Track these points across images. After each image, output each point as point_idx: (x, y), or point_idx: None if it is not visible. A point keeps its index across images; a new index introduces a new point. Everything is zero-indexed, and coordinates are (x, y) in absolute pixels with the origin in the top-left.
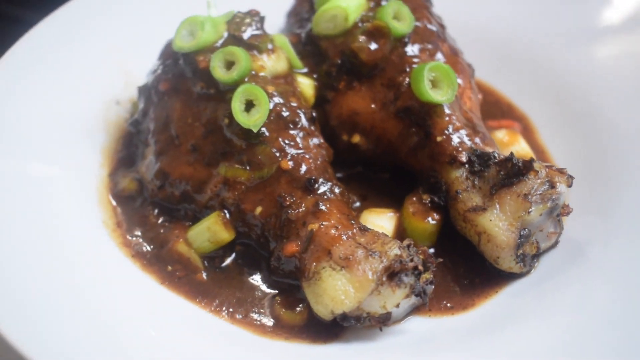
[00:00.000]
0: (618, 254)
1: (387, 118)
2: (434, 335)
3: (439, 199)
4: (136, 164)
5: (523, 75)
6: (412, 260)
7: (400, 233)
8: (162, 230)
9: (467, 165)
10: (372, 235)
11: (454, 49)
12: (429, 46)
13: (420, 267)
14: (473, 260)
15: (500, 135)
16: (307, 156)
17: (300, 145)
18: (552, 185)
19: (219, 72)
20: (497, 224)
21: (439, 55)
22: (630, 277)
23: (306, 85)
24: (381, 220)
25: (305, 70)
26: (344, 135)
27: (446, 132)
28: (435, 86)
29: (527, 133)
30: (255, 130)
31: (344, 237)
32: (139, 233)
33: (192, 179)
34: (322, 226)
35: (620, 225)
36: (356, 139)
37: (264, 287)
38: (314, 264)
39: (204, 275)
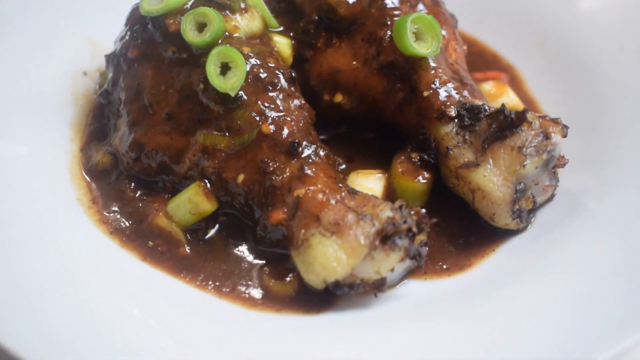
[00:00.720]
0: (613, 203)
1: (370, 74)
2: (431, 298)
3: (429, 156)
4: (109, 136)
5: (507, 24)
6: (405, 222)
7: (390, 194)
8: (140, 205)
9: (456, 120)
10: (361, 198)
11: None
12: None
13: (414, 229)
14: (467, 218)
15: (488, 87)
16: (288, 118)
17: (281, 108)
18: (547, 136)
19: (191, 35)
20: (491, 180)
21: (420, 6)
22: (627, 226)
23: (283, 44)
24: (369, 182)
25: (280, 28)
26: (326, 94)
27: (433, 86)
28: (419, 39)
29: (515, 83)
30: (232, 95)
31: (333, 202)
32: (116, 209)
33: (169, 149)
34: (308, 191)
35: (614, 175)
36: (339, 98)
37: (250, 258)
38: (303, 231)
39: (187, 249)
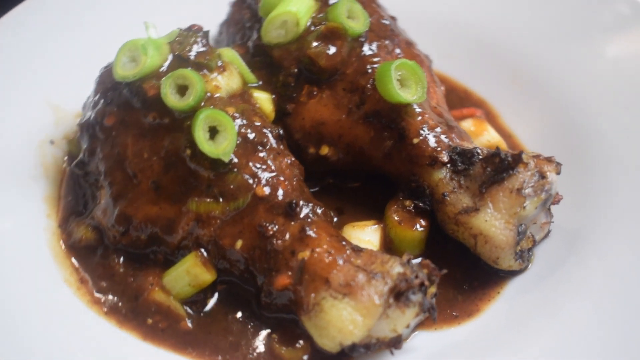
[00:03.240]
0: (608, 232)
1: (355, 124)
2: (444, 349)
3: (424, 203)
4: (88, 209)
5: (475, 59)
6: (417, 276)
7: (387, 244)
8: (132, 280)
9: (449, 165)
10: (368, 255)
11: (408, 42)
12: (386, 42)
13: (427, 282)
14: (467, 263)
15: (467, 125)
16: (281, 178)
17: (273, 168)
18: (543, 176)
19: (172, 100)
20: (493, 224)
21: (397, 51)
22: (623, 251)
23: (264, 100)
24: (365, 234)
25: (259, 83)
26: (311, 148)
27: (421, 132)
28: (403, 85)
29: (490, 118)
30: (226, 160)
31: (340, 262)
32: (107, 287)
33: (159, 219)
34: (314, 253)
35: (603, 203)
36: (325, 150)
37: (256, 326)
38: (313, 295)
39: (189, 323)
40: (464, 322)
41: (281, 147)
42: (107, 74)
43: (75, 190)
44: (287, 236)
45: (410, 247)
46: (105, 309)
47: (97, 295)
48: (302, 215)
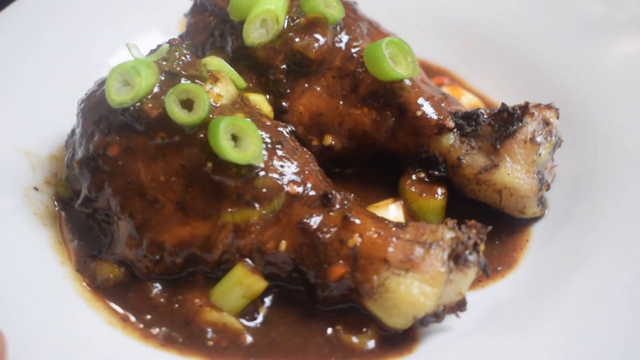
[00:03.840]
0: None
1: (353, 109)
2: (500, 303)
3: (439, 171)
4: (106, 247)
5: (426, 28)
6: (469, 237)
7: (412, 217)
8: (177, 306)
9: (455, 130)
10: (414, 229)
11: (374, 23)
12: (360, 25)
13: (478, 241)
14: (488, 220)
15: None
16: (307, 172)
17: (296, 164)
18: (547, 122)
19: (181, 116)
20: (516, 176)
21: (372, 31)
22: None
23: (260, 101)
24: (390, 213)
25: (249, 86)
26: (314, 140)
27: (421, 104)
28: (394, 62)
29: (453, 86)
30: (260, 163)
31: (393, 240)
32: (154, 319)
33: (194, 238)
34: (364, 237)
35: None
36: (328, 140)
37: (316, 323)
38: (374, 277)
39: (248, 336)
40: (507, 274)
41: (296, 142)
42: (91, 103)
43: (81, 231)
44: (332, 227)
45: (433, 216)
46: (161, 341)
47: (146, 329)
48: (338, 204)
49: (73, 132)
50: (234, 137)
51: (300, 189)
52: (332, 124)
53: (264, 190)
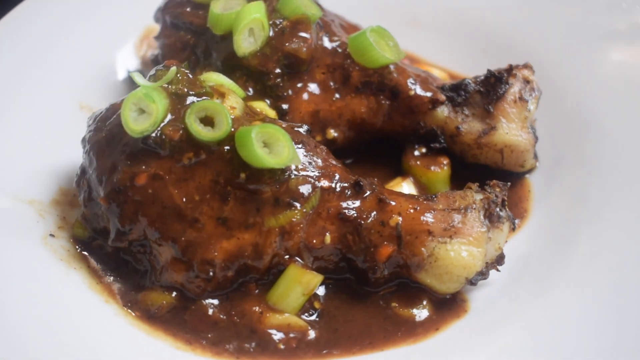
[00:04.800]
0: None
1: (349, 100)
2: (525, 251)
3: (439, 143)
4: (148, 276)
5: (377, 13)
6: (496, 196)
7: (422, 190)
8: (237, 319)
9: (447, 102)
10: (444, 198)
11: (339, 15)
12: (332, 19)
13: (505, 198)
14: (485, 178)
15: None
16: (331, 165)
17: (320, 159)
18: (527, 80)
19: (207, 133)
20: (514, 134)
21: (339, 25)
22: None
23: (263, 107)
24: (403, 190)
25: (249, 94)
26: (317, 136)
27: (410, 83)
28: (380, 49)
29: (416, 64)
30: (298, 164)
31: (431, 212)
32: (218, 336)
33: (243, 249)
34: (403, 215)
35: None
36: (330, 134)
37: (372, 306)
38: (423, 249)
39: (312, 332)
40: (523, 225)
41: (313, 140)
42: (102, 139)
43: (112, 267)
44: (370, 211)
45: (442, 185)
46: (235, 355)
47: (215, 347)
48: (369, 190)
49: (84, 171)
50: (264, 144)
51: (331, 183)
52: (331, 118)
53: (300, 189)
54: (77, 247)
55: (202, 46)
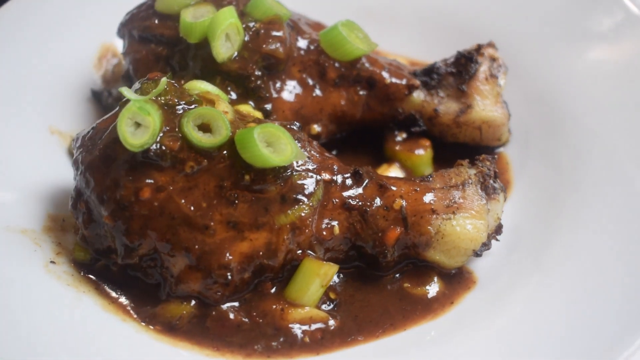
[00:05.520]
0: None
1: (328, 94)
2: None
3: (419, 127)
4: (162, 289)
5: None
6: (488, 169)
7: (408, 174)
8: (259, 319)
9: (421, 87)
10: (439, 176)
11: (300, 14)
12: (298, 17)
13: (496, 170)
14: (463, 156)
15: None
16: (328, 157)
17: (316, 153)
18: (493, 57)
19: (206, 140)
20: (489, 110)
21: (304, 22)
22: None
23: (249, 110)
24: (394, 175)
25: (232, 98)
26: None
27: (385, 72)
28: (352, 41)
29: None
30: (304, 159)
31: (431, 192)
32: (243, 339)
33: (257, 249)
34: (405, 198)
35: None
36: (314, 129)
37: (385, 289)
38: (429, 227)
39: (333, 320)
40: (508, 195)
41: (306, 135)
42: (96, 158)
43: (120, 285)
44: (373, 198)
45: (426, 167)
46: (266, 354)
47: (244, 349)
48: (367, 176)
49: (79, 192)
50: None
51: (332, 175)
52: (313, 113)
53: (304, 184)
54: (80, 271)
55: (177, 56)
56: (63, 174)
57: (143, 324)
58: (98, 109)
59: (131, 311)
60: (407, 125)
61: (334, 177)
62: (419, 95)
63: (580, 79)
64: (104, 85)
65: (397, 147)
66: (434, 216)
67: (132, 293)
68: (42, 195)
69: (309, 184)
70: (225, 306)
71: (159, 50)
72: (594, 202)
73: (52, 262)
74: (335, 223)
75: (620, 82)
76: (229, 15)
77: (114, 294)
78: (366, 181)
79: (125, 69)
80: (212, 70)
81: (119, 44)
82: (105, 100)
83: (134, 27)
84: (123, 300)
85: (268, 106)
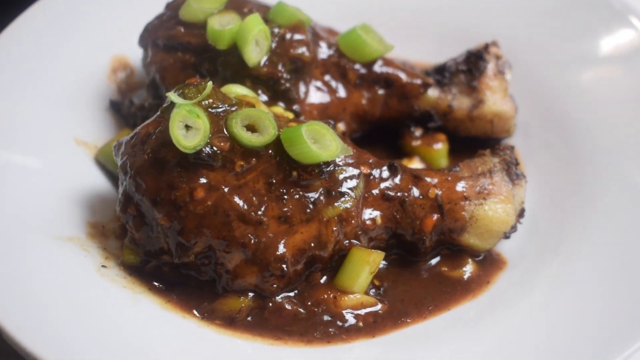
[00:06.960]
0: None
1: (350, 94)
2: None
3: (435, 122)
4: (218, 284)
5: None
6: (510, 157)
7: (429, 167)
8: (314, 308)
9: (435, 84)
10: (466, 166)
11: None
12: (316, 23)
13: (516, 158)
14: (480, 147)
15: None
16: (364, 153)
17: (353, 149)
18: (498, 55)
19: (256, 139)
20: (500, 103)
21: (320, 27)
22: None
23: (282, 111)
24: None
25: (266, 100)
26: None
27: (401, 72)
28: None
29: None
30: (350, 153)
31: (462, 180)
32: (302, 327)
33: (308, 241)
34: (439, 187)
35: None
36: (339, 128)
37: (424, 274)
38: (463, 213)
39: (381, 305)
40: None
41: (340, 132)
42: (145, 162)
43: (173, 284)
44: (409, 188)
45: (443, 160)
46: (326, 339)
47: (305, 337)
48: (400, 168)
49: (128, 197)
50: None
51: (370, 168)
52: (337, 113)
53: (347, 177)
54: (130, 273)
55: (206, 63)
56: (95, 183)
57: (203, 319)
58: (117, 118)
59: (189, 308)
60: (423, 121)
61: (372, 171)
62: (433, 93)
63: (574, 73)
64: (119, 95)
65: (417, 142)
66: (467, 202)
67: (186, 291)
68: (80, 204)
69: (351, 177)
70: (279, 298)
71: (186, 57)
72: (599, 184)
73: (103, 266)
74: (377, 213)
75: (619, 80)
76: (257, 22)
77: (168, 293)
78: (401, 173)
79: (150, 78)
80: (242, 75)
81: (130, 56)
82: (126, 109)
83: (159, 37)
84: (178, 298)
85: (296, 107)
